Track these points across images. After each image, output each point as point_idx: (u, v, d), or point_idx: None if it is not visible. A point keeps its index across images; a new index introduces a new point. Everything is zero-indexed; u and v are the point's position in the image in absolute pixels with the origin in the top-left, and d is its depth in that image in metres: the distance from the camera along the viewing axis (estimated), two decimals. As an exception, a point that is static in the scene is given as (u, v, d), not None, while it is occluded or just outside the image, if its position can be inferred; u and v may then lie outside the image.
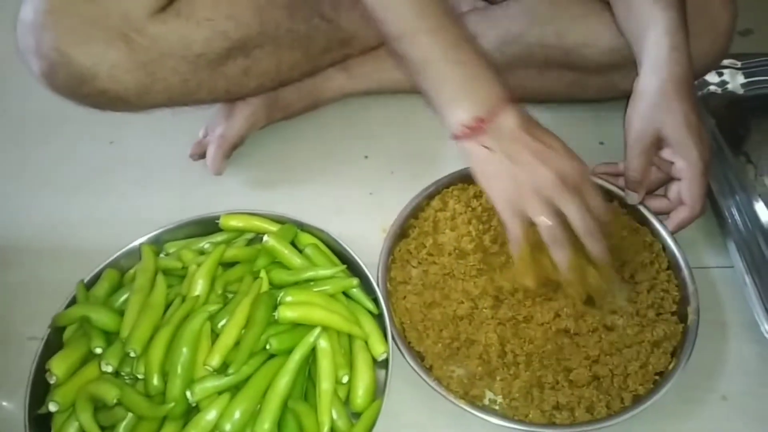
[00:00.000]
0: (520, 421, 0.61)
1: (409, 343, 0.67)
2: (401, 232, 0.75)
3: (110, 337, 0.65)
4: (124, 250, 0.73)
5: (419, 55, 0.63)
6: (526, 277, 0.66)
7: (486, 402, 0.63)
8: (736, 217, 0.75)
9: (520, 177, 0.62)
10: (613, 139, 0.86)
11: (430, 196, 0.77)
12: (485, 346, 0.65)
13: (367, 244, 0.75)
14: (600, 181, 0.77)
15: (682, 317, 0.66)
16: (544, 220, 0.62)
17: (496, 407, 0.63)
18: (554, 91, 0.88)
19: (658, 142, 0.71)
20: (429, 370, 0.65)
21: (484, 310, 0.68)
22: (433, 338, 0.67)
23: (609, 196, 0.76)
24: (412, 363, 0.64)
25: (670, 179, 0.74)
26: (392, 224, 0.75)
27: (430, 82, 0.64)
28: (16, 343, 0.73)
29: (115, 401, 0.59)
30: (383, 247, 0.73)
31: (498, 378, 0.64)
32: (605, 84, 0.85)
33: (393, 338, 0.65)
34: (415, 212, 0.76)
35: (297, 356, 0.61)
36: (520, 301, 0.68)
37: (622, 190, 0.75)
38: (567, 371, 0.64)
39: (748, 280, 0.68)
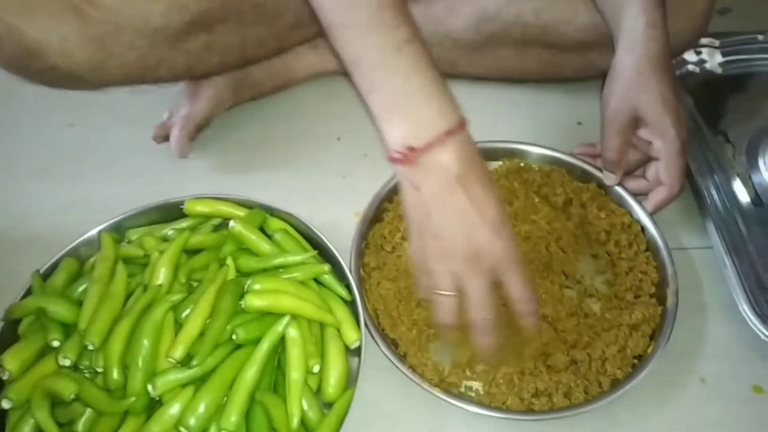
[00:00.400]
0: (499, 409, 0.59)
1: (383, 330, 0.65)
2: (375, 217, 0.73)
3: (68, 329, 0.62)
4: (82, 238, 0.70)
5: (351, 52, 0.53)
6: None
7: (462, 389, 0.62)
8: (715, 197, 0.74)
9: (435, 236, 0.55)
10: (591, 119, 0.84)
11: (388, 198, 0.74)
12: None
13: (340, 229, 0.73)
14: (578, 162, 0.76)
15: (661, 299, 0.65)
16: (446, 293, 0.56)
17: (472, 394, 0.61)
18: (531, 71, 0.86)
19: (635, 122, 0.70)
20: (403, 357, 0.63)
21: None
22: (408, 325, 0.65)
23: (586, 176, 0.75)
24: (385, 350, 0.62)
25: (648, 159, 0.72)
26: (366, 208, 0.72)
27: (365, 86, 0.54)
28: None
29: (72, 397, 0.56)
30: (356, 232, 0.71)
31: (478, 366, 0.62)
32: (583, 63, 0.84)
33: (366, 325, 0.63)
34: (389, 196, 0.74)
35: (265, 346, 0.59)
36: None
37: (600, 171, 0.74)
38: (545, 356, 0.62)
39: (727, 260, 0.67)
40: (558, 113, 0.86)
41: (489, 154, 0.78)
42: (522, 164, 0.77)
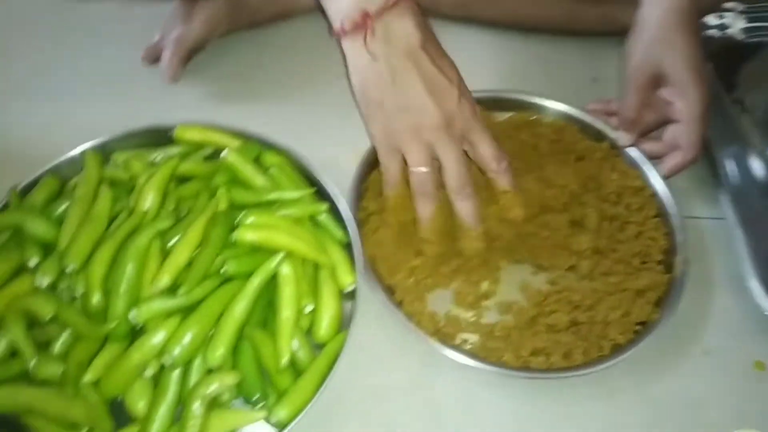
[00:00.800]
0: (494, 363, 0.57)
1: (380, 276, 0.62)
2: (375, 160, 0.69)
3: (46, 249, 0.59)
4: (64, 157, 0.65)
5: None
6: (394, 221, 0.62)
7: (457, 341, 0.59)
8: (730, 167, 0.71)
9: (401, 108, 0.53)
10: (607, 76, 0.81)
11: None
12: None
13: (338, 169, 0.69)
14: (591, 120, 0.73)
15: (668, 267, 0.63)
16: (418, 169, 0.55)
17: (468, 347, 0.59)
18: (549, 20, 0.82)
19: (657, 80, 0.67)
20: (399, 304, 0.60)
21: None
22: (405, 272, 0.62)
23: (599, 135, 0.72)
24: (381, 296, 0.59)
25: (665, 121, 0.70)
26: (368, 150, 0.69)
27: None
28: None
29: (50, 318, 0.52)
30: (355, 174, 0.68)
31: (475, 316, 0.61)
32: (604, 16, 0.80)
33: (362, 270, 0.60)
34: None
35: (256, 281, 0.56)
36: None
37: (614, 130, 0.71)
38: (545, 315, 0.60)
39: (738, 232, 0.65)
40: (573, 68, 0.83)
41: (499, 104, 0.74)
42: (533, 117, 0.74)
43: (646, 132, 0.71)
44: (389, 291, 0.61)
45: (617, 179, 0.69)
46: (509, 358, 0.57)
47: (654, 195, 0.68)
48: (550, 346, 0.58)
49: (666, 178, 0.68)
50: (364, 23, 0.50)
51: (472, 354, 0.58)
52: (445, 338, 0.59)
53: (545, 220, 0.65)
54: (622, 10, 0.75)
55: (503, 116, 0.74)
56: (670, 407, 0.58)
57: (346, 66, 0.57)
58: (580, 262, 0.63)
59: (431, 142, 0.54)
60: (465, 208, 0.57)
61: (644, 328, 0.59)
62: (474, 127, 0.56)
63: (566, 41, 0.84)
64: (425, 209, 0.58)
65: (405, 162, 0.58)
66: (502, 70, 0.81)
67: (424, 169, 0.55)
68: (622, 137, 0.70)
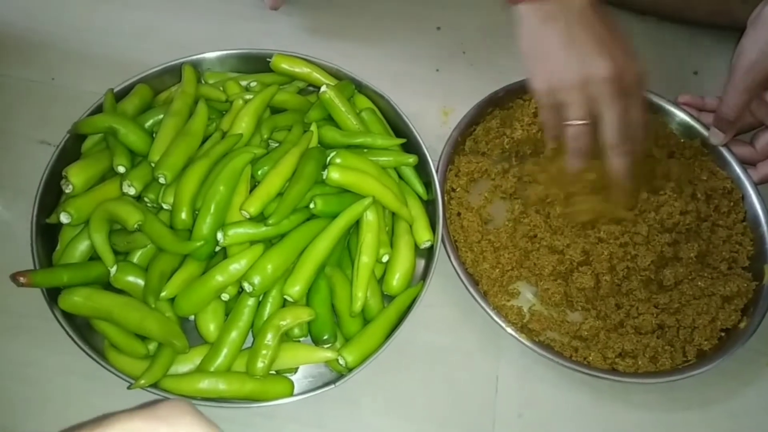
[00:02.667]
0: (579, 363, 0.56)
1: (464, 262, 0.61)
2: (474, 119, 0.67)
3: (134, 159, 0.58)
4: (159, 67, 0.64)
5: None
6: (543, 175, 0.63)
7: (542, 338, 0.58)
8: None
9: (571, 62, 0.55)
10: (708, 71, 0.78)
11: (495, 103, 0.69)
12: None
13: (424, 124, 0.67)
14: (683, 114, 0.70)
15: (756, 274, 0.61)
16: (578, 122, 0.56)
17: (552, 343, 0.58)
18: (660, 3, 0.78)
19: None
20: (484, 295, 0.59)
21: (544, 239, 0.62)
22: (491, 262, 0.61)
23: (689, 132, 0.69)
24: (469, 287, 0.58)
25: (760, 125, 0.67)
26: (472, 107, 0.67)
27: None
28: (23, 145, 0.66)
29: (136, 227, 0.52)
30: (455, 129, 0.66)
31: (559, 315, 0.59)
32: (719, 6, 0.76)
33: (443, 240, 0.59)
34: (497, 101, 0.68)
35: (342, 222, 0.55)
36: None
37: (706, 128, 0.68)
38: (633, 317, 0.59)
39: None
40: (675, 57, 0.79)
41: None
42: None
43: (738, 133, 0.68)
44: (472, 280, 0.59)
45: (707, 179, 0.67)
46: (596, 359, 0.56)
47: (743, 198, 0.66)
48: (638, 348, 0.56)
49: (759, 184, 0.66)
50: None
51: (557, 352, 0.57)
52: (531, 334, 0.58)
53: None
54: (740, 3, 0.71)
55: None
56: (752, 420, 0.57)
57: (517, 31, 0.58)
58: (670, 263, 0.61)
59: (595, 96, 0.55)
60: (618, 165, 0.57)
61: (729, 335, 0.58)
62: (638, 87, 0.56)
63: (672, 29, 0.80)
64: (576, 164, 0.58)
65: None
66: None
67: (581, 122, 0.56)
68: (715, 136, 0.67)
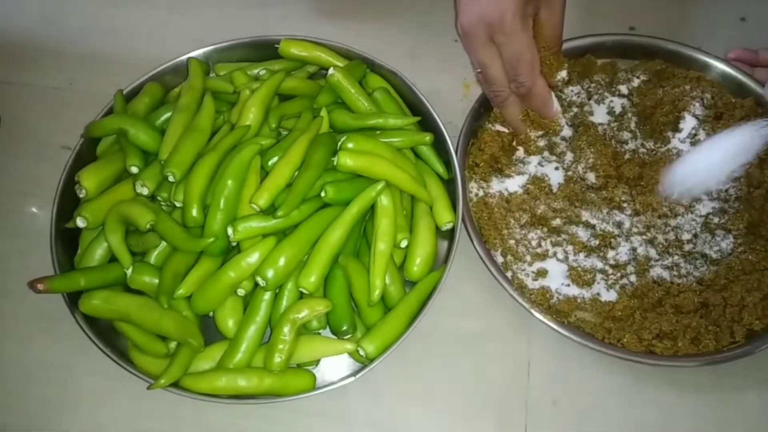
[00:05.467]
0: (612, 346, 0.52)
1: (485, 240, 0.58)
2: (485, 112, 0.64)
3: (147, 157, 0.58)
4: (169, 63, 0.64)
5: None
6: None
7: (572, 319, 0.55)
8: None
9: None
10: (757, 15, 0.71)
11: None
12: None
13: (445, 100, 0.65)
14: (733, 71, 0.63)
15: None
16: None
17: (583, 325, 0.54)
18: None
19: None
20: (509, 277, 0.56)
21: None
22: (517, 239, 0.58)
23: (741, 90, 0.63)
24: (486, 261, 0.55)
25: None
26: (477, 99, 0.63)
27: None
28: (48, 151, 0.67)
29: (148, 227, 0.52)
30: (476, 101, 0.62)
31: (591, 295, 0.55)
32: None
33: (463, 213, 0.56)
34: None
35: (355, 209, 0.53)
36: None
37: (760, 85, 0.62)
38: (673, 295, 0.54)
39: None
40: (719, 2, 0.72)
41: (626, 51, 0.66)
42: (664, 66, 0.65)
43: None
44: (496, 261, 0.56)
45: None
46: (630, 340, 0.52)
47: None
48: (678, 329, 0.52)
49: None
50: None
51: (589, 334, 0.53)
52: (560, 315, 0.54)
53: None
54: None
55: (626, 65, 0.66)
56: None
57: None
58: (716, 234, 0.56)
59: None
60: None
61: None
62: (506, 29, 0.54)
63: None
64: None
65: None
66: (632, 4, 0.72)
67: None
68: None
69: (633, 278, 0.55)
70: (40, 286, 0.50)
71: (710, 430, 0.53)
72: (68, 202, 0.58)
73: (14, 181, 0.66)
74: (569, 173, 0.60)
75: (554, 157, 0.62)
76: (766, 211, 0.57)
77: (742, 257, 0.55)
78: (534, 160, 0.62)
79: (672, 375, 0.54)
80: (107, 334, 0.54)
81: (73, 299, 0.53)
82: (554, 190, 0.60)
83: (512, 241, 0.58)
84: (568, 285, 0.56)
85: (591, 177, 0.60)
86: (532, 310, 0.53)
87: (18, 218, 0.64)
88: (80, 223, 0.54)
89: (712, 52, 0.64)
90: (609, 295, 0.55)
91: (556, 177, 0.61)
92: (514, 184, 0.61)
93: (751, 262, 0.55)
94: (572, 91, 0.65)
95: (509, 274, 0.56)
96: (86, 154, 0.60)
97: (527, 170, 0.61)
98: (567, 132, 0.63)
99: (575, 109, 0.64)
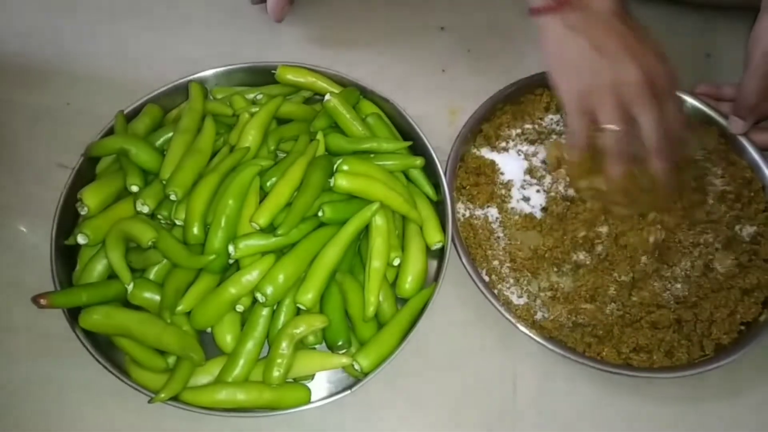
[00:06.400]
0: (593, 359, 0.55)
1: (473, 259, 0.60)
2: (485, 116, 0.67)
3: (147, 177, 0.60)
4: (169, 85, 0.66)
5: None
6: (578, 183, 0.61)
7: (554, 334, 0.57)
8: None
9: (600, 68, 0.54)
10: (721, 53, 0.76)
11: (506, 99, 0.68)
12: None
13: (432, 125, 0.67)
14: (699, 103, 0.68)
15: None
16: (612, 127, 0.54)
17: (566, 339, 0.57)
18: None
19: None
20: (494, 292, 0.58)
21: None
22: (501, 259, 0.60)
23: (707, 121, 0.68)
24: (476, 279, 0.58)
25: None
26: (481, 104, 0.67)
27: None
28: (43, 169, 0.68)
29: (150, 244, 0.54)
30: (464, 126, 0.66)
31: (572, 311, 0.58)
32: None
33: (453, 240, 0.59)
34: (509, 97, 0.68)
35: (351, 228, 0.56)
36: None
37: (724, 117, 0.67)
38: (650, 313, 0.58)
39: None
40: (685, 40, 0.78)
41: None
42: None
43: (758, 121, 0.67)
44: (483, 278, 0.59)
45: (725, 170, 0.65)
46: (610, 354, 0.55)
47: (763, 189, 0.64)
48: (653, 343, 0.56)
49: None
50: (565, 0, 0.54)
51: (569, 348, 0.56)
52: (543, 331, 0.57)
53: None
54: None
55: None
56: None
57: (541, 41, 0.58)
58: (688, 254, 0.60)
59: (629, 101, 0.53)
60: (661, 169, 0.55)
61: (749, 328, 0.56)
62: (670, 89, 0.55)
63: (680, 10, 0.79)
64: (615, 169, 0.56)
65: (594, 127, 0.56)
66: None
67: (616, 127, 0.54)
68: (734, 124, 0.65)
69: (613, 297, 0.59)
70: (42, 301, 0.51)
71: (684, 438, 0.56)
72: (66, 219, 0.59)
73: (11, 198, 0.66)
74: (551, 194, 0.64)
75: (535, 180, 0.65)
76: (735, 233, 0.61)
77: (710, 275, 0.59)
78: (516, 184, 0.65)
79: (648, 386, 0.57)
80: (105, 350, 0.55)
81: (73, 315, 0.54)
82: (536, 214, 0.63)
83: (496, 262, 0.61)
84: (551, 302, 0.59)
85: (572, 191, 0.63)
86: (518, 325, 0.56)
87: (13, 235, 0.65)
88: (81, 240, 0.55)
89: (681, 85, 0.69)
90: (589, 311, 0.58)
91: (537, 199, 0.64)
92: (494, 211, 0.64)
93: (718, 280, 0.58)
94: (551, 119, 0.68)
95: (496, 291, 0.59)
96: (85, 173, 0.61)
97: (511, 194, 0.65)
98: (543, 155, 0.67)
99: (554, 137, 0.67)
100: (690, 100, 0.68)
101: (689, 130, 0.58)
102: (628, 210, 0.61)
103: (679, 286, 0.59)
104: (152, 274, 0.56)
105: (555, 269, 0.60)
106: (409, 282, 0.58)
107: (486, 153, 0.66)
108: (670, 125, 0.54)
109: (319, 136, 0.62)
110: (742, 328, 0.57)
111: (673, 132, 0.55)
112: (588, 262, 0.60)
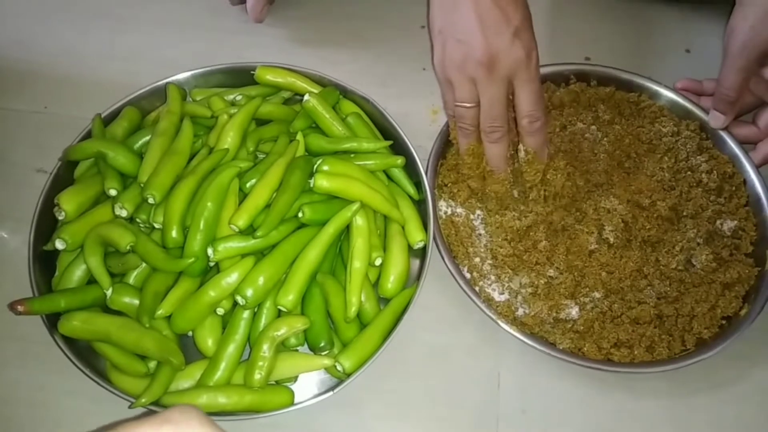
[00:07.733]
0: (574, 354, 0.55)
1: (455, 257, 0.60)
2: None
3: (126, 180, 0.59)
4: (147, 88, 0.65)
5: None
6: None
7: (536, 331, 0.58)
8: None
9: (456, 41, 0.55)
10: (700, 48, 0.77)
11: None
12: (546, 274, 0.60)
13: (413, 124, 0.67)
14: (680, 99, 0.68)
15: (758, 260, 0.60)
16: (461, 103, 0.57)
17: (547, 335, 0.57)
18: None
19: (764, 60, 0.62)
20: (475, 289, 0.58)
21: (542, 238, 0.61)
22: (482, 256, 0.60)
23: (687, 115, 0.68)
24: (456, 276, 0.58)
25: (762, 104, 0.65)
26: (445, 123, 0.66)
27: None
28: (22, 174, 0.67)
29: (128, 248, 0.53)
30: (443, 128, 0.65)
31: (554, 308, 0.58)
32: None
33: (434, 238, 0.59)
34: None
35: (331, 229, 0.55)
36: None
37: (705, 112, 0.67)
38: (630, 308, 0.58)
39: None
40: (666, 36, 0.78)
41: (580, 77, 0.70)
42: (614, 91, 0.69)
43: (739, 115, 0.67)
44: (465, 276, 0.59)
45: (706, 164, 0.66)
46: (590, 349, 0.55)
47: (745, 182, 0.64)
48: (634, 338, 0.56)
49: (759, 166, 0.64)
50: None
51: (550, 344, 0.56)
52: (524, 327, 0.57)
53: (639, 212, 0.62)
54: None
55: (578, 89, 0.70)
56: (759, 402, 0.56)
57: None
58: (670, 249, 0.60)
59: (474, 77, 0.55)
60: (491, 149, 0.59)
61: (730, 323, 0.57)
62: (521, 73, 0.55)
63: (659, 7, 0.79)
64: (462, 144, 0.61)
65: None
66: (589, 36, 0.78)
67: (466, 105, 0.57)
68: (715, 118, 0.66)
69: (594, 293, 0.59)
70: (20, 308, 0.51)
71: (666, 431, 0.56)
72: (44, 224, 0.59)
73: (-12, 204, 0.66)
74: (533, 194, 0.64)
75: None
76: (715, 227, 0.61)
77: (691, 270, 0.59)
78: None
79: (630, 381, 0.57)
80: (85, 355, 0.54)
81: (51, 321, 0.54)
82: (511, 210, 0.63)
83: (477, 259, 0.61)
84: (532, 299, 0.59)
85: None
86: (499, 321, 0.56)
87: (-9, 241, 0.64)
88: (59, 245, 0.55)
89: (662, 81, 0.69)
90: (570, 308, 0.58)
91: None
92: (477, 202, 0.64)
93: (699, 275, 0.59)
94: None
95: (477, 288, 0.59)
96: (63, 178, 0.61)
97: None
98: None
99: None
100: (671, 95, 0.69)
101: (542, 115, 0.58)
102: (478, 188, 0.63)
103: (659, 281, 0.59)
104: (132, 279, 0.56)
105: (534, 273, 0.60)
106: (391, 282, 0.58)
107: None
108: (516, 111, 0.57)
109: (299, 136, 0.61)
110: (723, 322, 0.57)
111: (526, 111, 0.57)
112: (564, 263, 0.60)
